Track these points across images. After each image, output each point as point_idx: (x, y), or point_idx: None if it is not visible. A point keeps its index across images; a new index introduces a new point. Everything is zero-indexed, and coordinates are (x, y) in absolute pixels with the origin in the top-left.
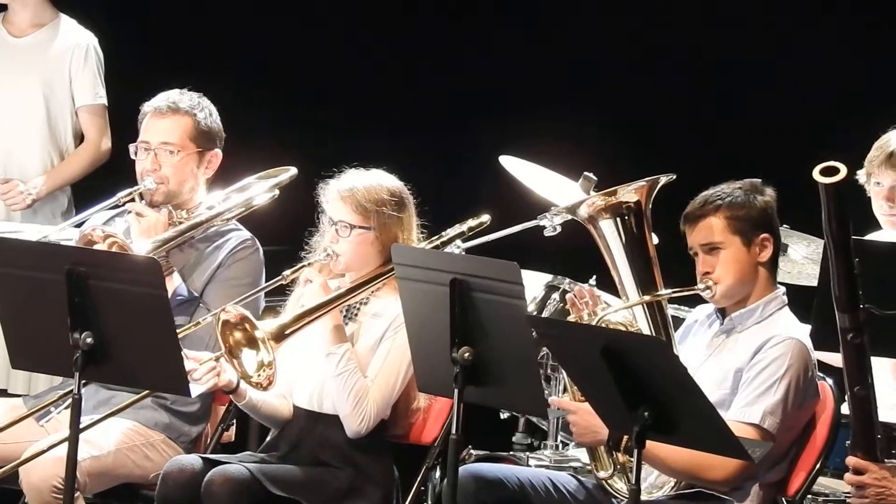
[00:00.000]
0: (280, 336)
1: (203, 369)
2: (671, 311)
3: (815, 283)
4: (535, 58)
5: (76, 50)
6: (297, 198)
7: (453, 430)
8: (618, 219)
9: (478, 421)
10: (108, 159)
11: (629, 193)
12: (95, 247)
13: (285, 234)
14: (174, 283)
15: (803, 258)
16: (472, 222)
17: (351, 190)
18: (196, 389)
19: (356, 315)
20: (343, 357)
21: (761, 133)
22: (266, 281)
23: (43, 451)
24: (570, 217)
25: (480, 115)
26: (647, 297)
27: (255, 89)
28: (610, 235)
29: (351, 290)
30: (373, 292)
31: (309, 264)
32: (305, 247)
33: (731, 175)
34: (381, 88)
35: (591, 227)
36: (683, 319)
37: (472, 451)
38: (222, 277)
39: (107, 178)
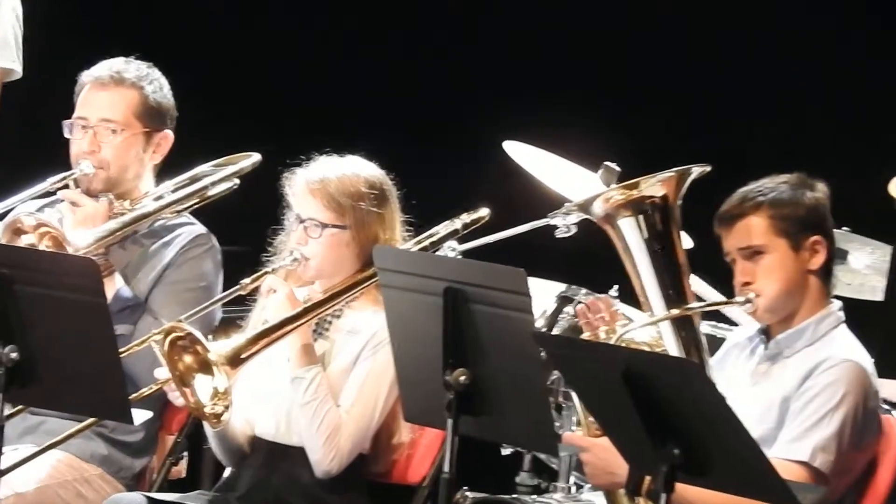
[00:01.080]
0: (235, 360)
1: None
2: (706, 328)
3: (880, 297)
4: (547, 25)
5: None
6: (261, 188)
7: (445, 468)
8: (640, 216)
9: (475, 457)
10: None
11: (654, 187)
12: (24, 238)
13: (246, 231)
14: (115, 286)
15: (866, 267)
16: (466, 218)
17: (322, 181)
18: (140, 416)
19: (328, 331)
20: (312, 382)
21: (818, 121)
22: (223, 286)
23: None
24: (584, 216)
25: (478, 94)
26: (675, 312)
27: (214, 62)
28: (631, 237)
29: (323, 302)
30: (348, 303)
31: (272, 270)
32: (269, 248)
33: (780, 168)
34: (361, 62)
35: (609, 227)
36: (722, 339)
37: (467, 492)
38: (171, 280)
39: (34, 162)
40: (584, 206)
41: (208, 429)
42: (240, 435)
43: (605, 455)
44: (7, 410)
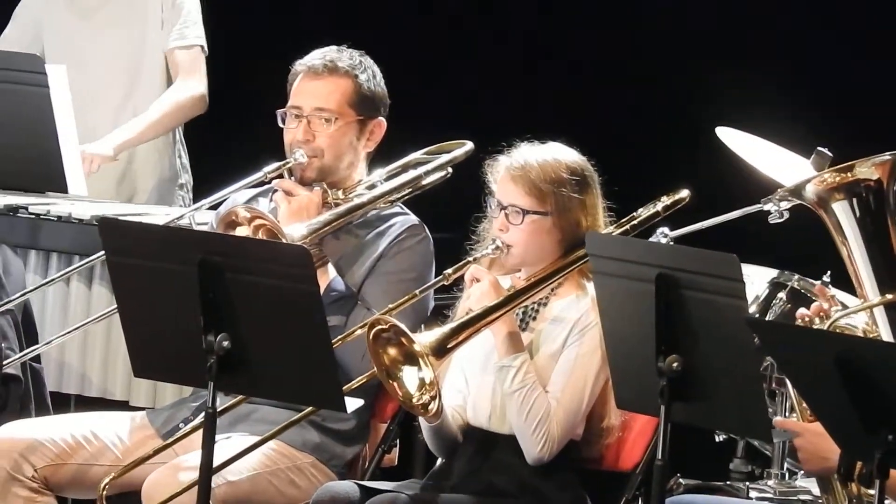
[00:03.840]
0: (441, 351)
1: None
2: None
3: None
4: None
5: None
6: (471, 175)
7: (659, 455)
8: (854, 200)
9: (688, 444)
10: (202, 111)
11: (868, 170)
12: (239, 230)
13: (453, 218)
14: (328, 277)
15: None
16: (667, 200)
17: (523, 168)
18: (352, 404)
19: (533, 320)
20: (520, 370)
21: None
22: (435, 275)
23: (176, 494)
24: (797, 202)
25: (689, 76)
26: (889, 297)
27: (419, 46)
28: (844, 220)
29: (526, 289)
30: (552, 290)
31: (475, 259)
32: (472, 236)
33: None
34: (564, 42)
35: (822, 211)
36: None
37: (680, 479)
38: (384, 270)
39: (243, 152)
40: (797, 191)
41: (423, 422)
42: (453, 426)
43: (817, 440)
44: (220, 398)
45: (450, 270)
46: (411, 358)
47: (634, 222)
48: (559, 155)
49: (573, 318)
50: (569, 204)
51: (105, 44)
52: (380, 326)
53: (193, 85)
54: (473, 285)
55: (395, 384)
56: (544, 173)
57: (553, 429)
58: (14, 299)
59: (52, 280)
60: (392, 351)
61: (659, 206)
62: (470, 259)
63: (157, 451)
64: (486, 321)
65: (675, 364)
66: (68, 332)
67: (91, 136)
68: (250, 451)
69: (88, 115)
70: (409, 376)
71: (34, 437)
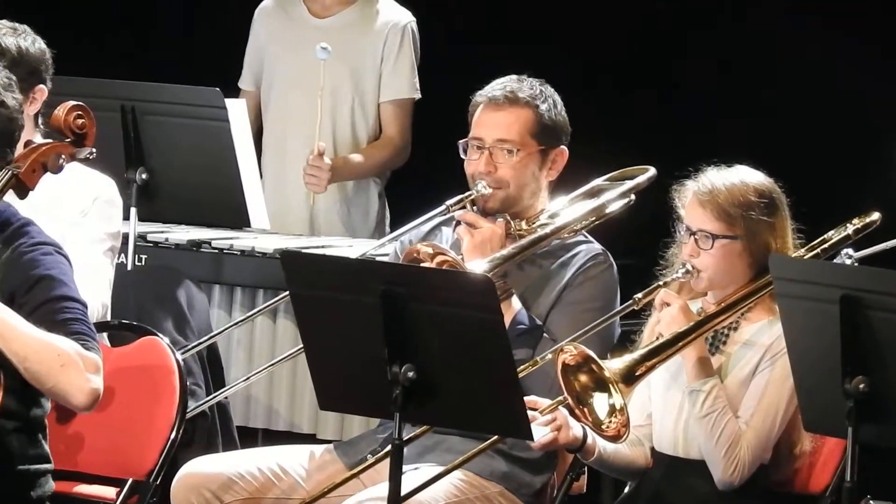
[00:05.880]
0: (630, 378)
1: (542, 421)
2: None
3: None
4: None
5: (391, 33)
6: (651, 200)
7: (847, 477)
8: None
9: (878, 465)
10: (404, 161)
11: None
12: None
13: (636, 243)
14: (513, 309)
15: None
16: (858, 222)
17: (711, 192)
18: (540, 432)
19: (724, 343)
20: (710, 395)
21: None
22: (620, 302)
23: None
24: None
25: (870, 94)
26: None
27: (592, 71)
28: None
29: (716, 314)
30: (743, 314)
31: (664, 284)
32: (660, 261)
33: None
34: (746, 65)
35: None
36: None
37: (871, 500)
38: (569, 300)
39: (427, 182)
40: None
41: (596, 457)
42: (627, 456)
43: None
44: (407, 429)
45: (640, 295)
46: (601, 384)
47: (825, 245)
48: (746, 178)
49: (765, 343)
50: (758, 227)
51: (310, 74)
52: (569, 353)
53: (404, 141)
54: (664, 309)
55: (586, 410)
56: (732, 197)
57: (743, 454)
58: (204, 341)
59: (239, 322)
60: (582, 378)
61: (850, 229)
62: (660, 283)
63: (343, 482)
64: (675, 348)
65: (861, 385)
66: (256, 373)
67: (286, 160)
68: (435, 481)
69: (288, 141)
70: (600, 403)
71: (222, 471)
